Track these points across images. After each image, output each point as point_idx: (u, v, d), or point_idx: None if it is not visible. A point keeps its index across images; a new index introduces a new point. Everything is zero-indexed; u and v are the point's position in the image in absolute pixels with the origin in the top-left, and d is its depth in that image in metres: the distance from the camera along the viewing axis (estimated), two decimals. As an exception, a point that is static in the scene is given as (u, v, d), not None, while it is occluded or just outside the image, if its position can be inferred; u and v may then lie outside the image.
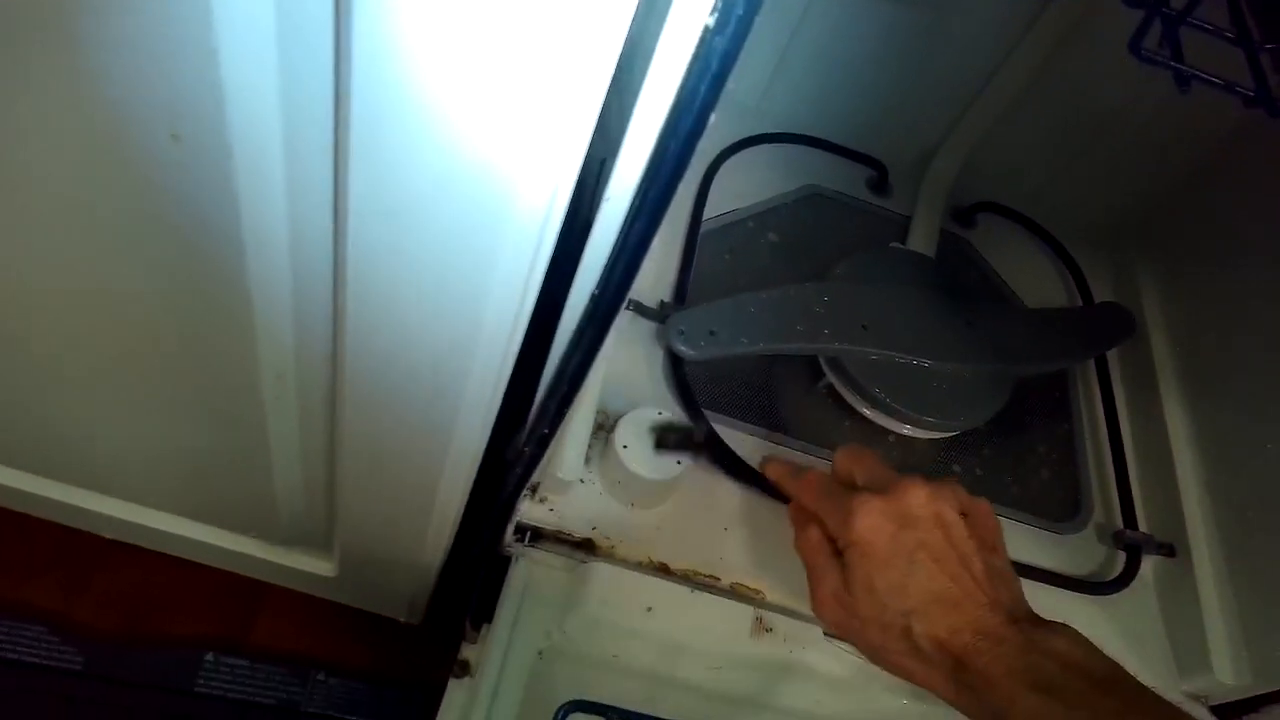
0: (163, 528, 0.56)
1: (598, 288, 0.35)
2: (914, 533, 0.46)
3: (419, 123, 0.25)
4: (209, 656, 0.65)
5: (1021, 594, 0.48)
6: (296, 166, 0.27)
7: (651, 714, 0.38)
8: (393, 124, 0.25)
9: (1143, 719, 0.39)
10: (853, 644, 0.48)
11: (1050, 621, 0.45)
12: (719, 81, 0.27)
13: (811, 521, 0.51)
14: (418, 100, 0.25)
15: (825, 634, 0.59)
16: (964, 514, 0.49)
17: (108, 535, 0.61)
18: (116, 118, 0.27)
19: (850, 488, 0.50)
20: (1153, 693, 0.41)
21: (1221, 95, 0.49)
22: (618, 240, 0.33)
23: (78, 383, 0.43)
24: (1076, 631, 0.44)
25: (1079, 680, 0.40)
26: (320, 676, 0.66)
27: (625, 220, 0.32)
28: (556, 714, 0.37)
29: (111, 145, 0.28)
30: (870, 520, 0.47)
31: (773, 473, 0.56)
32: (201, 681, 0.64)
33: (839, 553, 0.48)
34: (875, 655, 0.47)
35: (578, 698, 0.37)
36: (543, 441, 0.44)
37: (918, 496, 0.47)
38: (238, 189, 0.27)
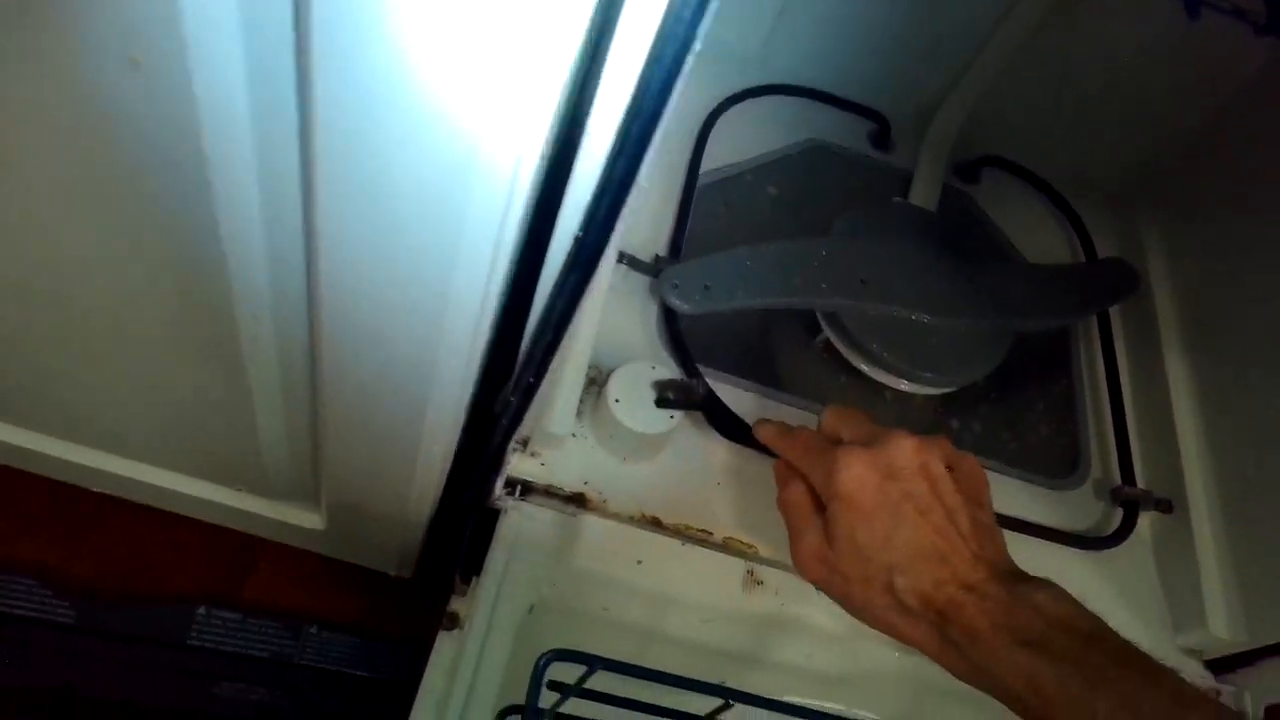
0: (151, 481, 0.55)
1: (581, 229, 0.33)
2: (899, 484, 0.45)
3: (383, 51, 0.24)
4: (201, 610, 0.65)
5: (1005, 550, 0.47)
6: (260, 90, 0.26)
7: (636, 664, 0.37)
8: (355, 49, 0.24)
9: (1127, 672, 0.39)
10: (837, 600, 0.48)
11: (1034, 577, 0.44)
12: (704, 2, 0.26)
13: (795, 478, 0.50)
14: (381, 27, 0.23)
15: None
16: (950, 468, 0.48)
17: (97, 490, 0.60)
18: (71, 44, 0.26)
19: (837, 444, 0.49)
20: (1135, 647, 0.41)
21: (1232, 23, 0.47)
22: (600, 179, 0.32)
23: (60, 335, 0.43)
24: (1060, 587, 0.43)
25: (1064, 635, 0.40)
26: (313, 630, 0.66)
27: (608, 158, 0.31)
28: (537, 663, 0.37)
29: (68, 75, 0.27)
30: (854, 471, 0.46)
31: (764, 435, 0.55)
32: (194, 634, 0.64)
33: (822, 508, 0.48)
34: (859, 611, 0.46)
35: (560, 648, 0.37)
36: (529, 391, 0.43)
37: (903, 448, 0.46)
38: (200, 118, 0.26)
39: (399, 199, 0.28)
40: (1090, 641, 0.40)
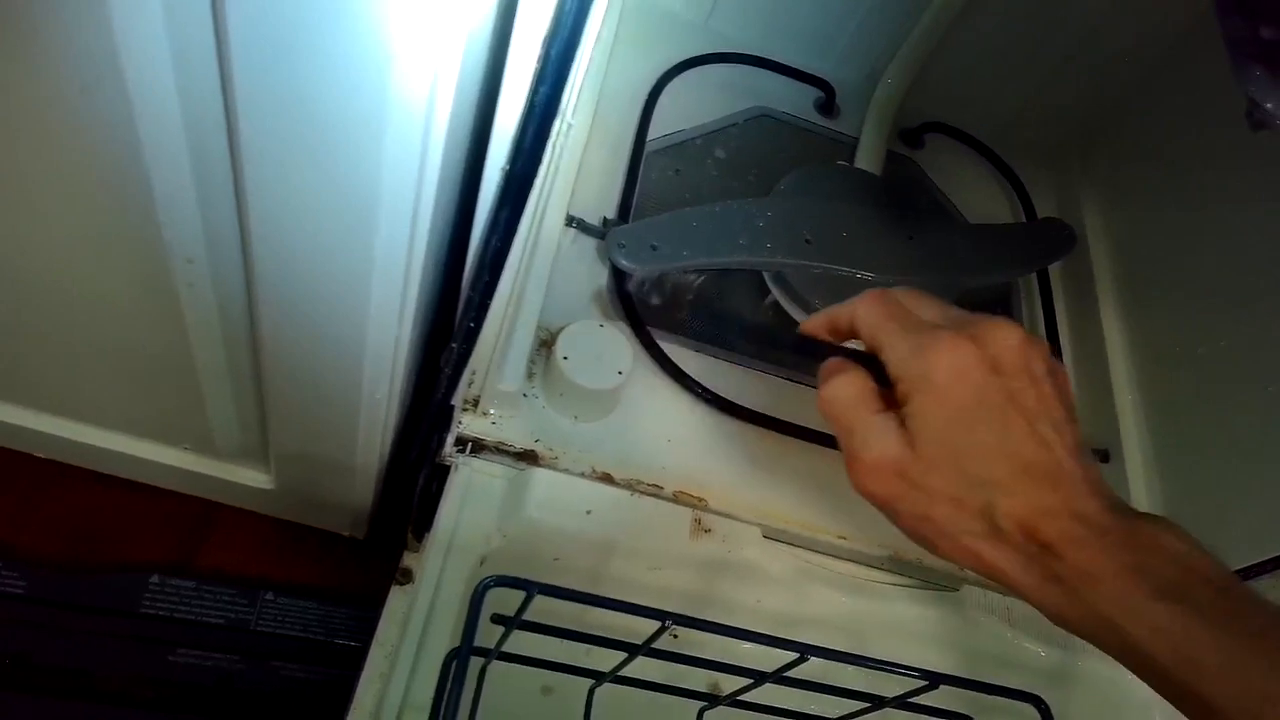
0: (97, 444, 0.55)
1: (507, 161, 0.34)
2: (1004, 382, 0.36)
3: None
4: (154, 579, 0.65)
5: (1111, 489, 0.38)
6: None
7: (574, 589, 0.38)
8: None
9: None
10: (905, 523, 0.39)
11: (1147, 514, 0.37)
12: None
13: (852, 368, 0.41)
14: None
15: (766, 536, 0.60)
16: (1054, 373, 0.39)
17: (42, 455, 0.60)
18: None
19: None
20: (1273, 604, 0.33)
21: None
22: (525, 105, 0.32)
23: (3, 295, 0.43)
24: (1180, 527, 0.35)
25: (1204, 580, 0.33)
26: (269, 596, 0.66)
27: (532, 85, 0.32)
28: (476, 589, 0.37)
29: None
30: (954, 358, 0.36)
31: (811, 327, 0.46)
32: (147, 603, 0.64)
33: (892, 405, 0.38)
34: (938, 537, 0.38)
35: (500, 574, 0.37)
36: (469, 336, 0.44)
37: (1009, 340, 0.37)
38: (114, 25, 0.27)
39: (316, 126, 0.28)
40: (1241, 597, 0.33)
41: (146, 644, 0.63)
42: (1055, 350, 0.78)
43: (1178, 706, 0.33)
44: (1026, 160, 0.90)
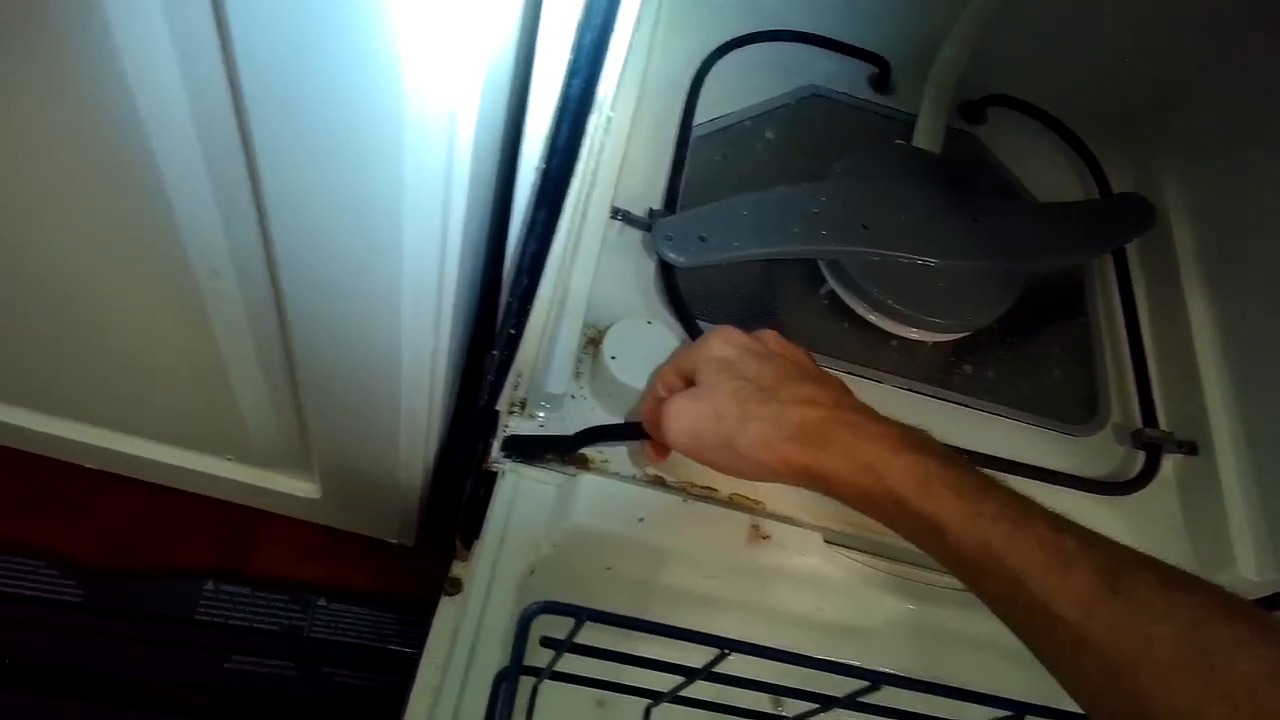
0: (143, 455, 0.55)
1: (543, 160, 0.32)
2: (762, 344, 0.48)
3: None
4: (209, 585, 0.65)
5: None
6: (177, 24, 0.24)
7: (624, 614, 0.36)
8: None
9: (1010, 490, 0.39)
10: (709, 455, 0.46)
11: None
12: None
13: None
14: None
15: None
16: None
17: (94, 466, 0.60)
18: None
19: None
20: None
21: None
22: (558, 101, 0.30)
23: (43, 314, 0.42)
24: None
25: (947, 450, 0.41)
26: (320, 602, 0.66)
27: (565, 78, 0.29)
28: (522, 616, 0.36)
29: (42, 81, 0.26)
30: (721, 334, 0.49)
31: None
32: (202, 610, 0.64)
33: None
34: (736, 453, 0.44)
35: (548, 600, 0.35)
36: (510, 343, 0.42)
37: (767, 330, 0.50)
38: (128, 74, 0.25)
39: (330, 143, 0.26)
40: (970, 464, 0.41)
41: (201, 651, 0.63)
42: (1135, 337, 0.73)
43: (917, 539, 0.40)
44: (1098, 132, 0.84)
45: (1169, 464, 0.68)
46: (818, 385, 0.45)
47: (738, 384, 0.45)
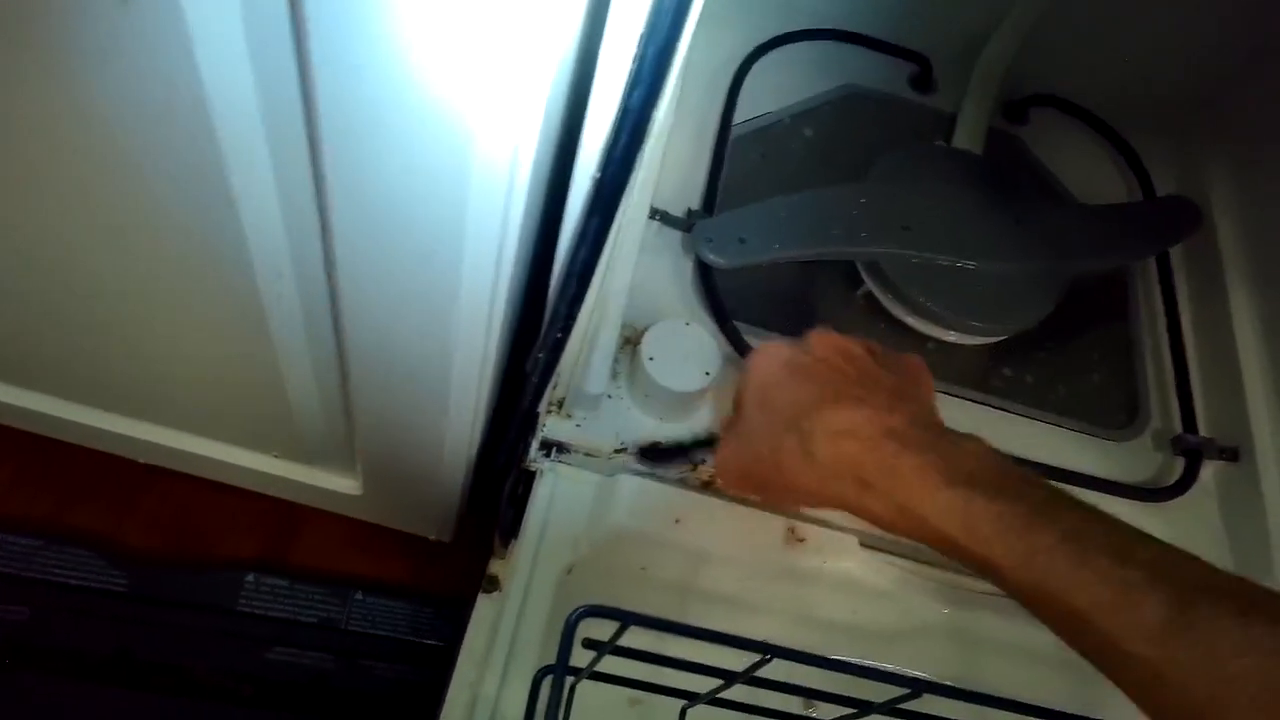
0: (190, 450, 0.56)
1: (598, 169, 0.32)
2: (811, 356, 0.44)
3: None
4: (250, 577, 0.66)
5: (937, 416, 0.43)
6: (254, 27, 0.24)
7: (668, 619, 0.36)
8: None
9: (1066, 508, 0.36)
10: (761, 494, 0.46)
11: (958, 431, 0.41)
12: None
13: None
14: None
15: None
16: (874, 355, 0.46)
17: (143, 460, 0.61)
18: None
19: None
20: (1069, 492, 0.37)
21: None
22: (617, 112, 0.30)
23: (98, 312, 0.43)
24: (984, 440, 0.40)
25: (996, 472, 0.37)
26: (359, 596, 0.67)
27: (626, 88, 0.30)
28: (568, 620, 0.36)
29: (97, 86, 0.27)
30: (763, 352, 0.45)
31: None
32: (244, 601, 0.65)
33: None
34: (778, 488, 0.43)
35: (593, 604, 0.36)
36: (556, 347, 0.42)
37: (817, 331, 0.45)
38: (198, 61, 0.25)
39: (402, 169, 0.27)
40: (1026, 481, 0.37)
41: (244, 641, 0.65)
42: (1176, 341, 0.72)
43: (977, 574, 0.37)
44: (1143, 133, 0.83)
45: (1209, 471, 0.67)
46: (857, 406, 0.40)
47: (771, 414, 0.43)
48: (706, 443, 0.57)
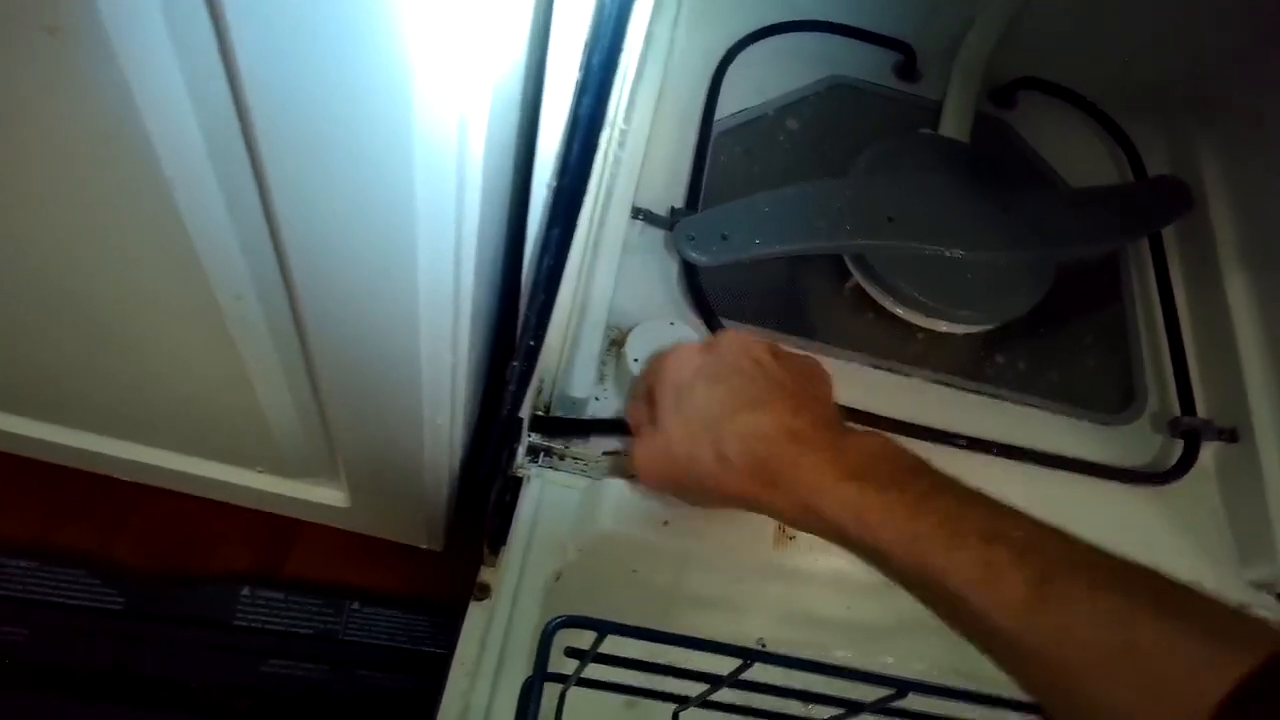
0: (174, 467, 0.56)
1: (554, 177, 0.32)
2: (720, 359, 0.46)
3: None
4: (245, 591, 0.66)
5: (837, 416, 0.46)
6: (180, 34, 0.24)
7: (654, 628, 0.36)
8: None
9: (947, 496, 0.38)
10: (680, 495, 0.47)
11: (860, 428, 0.44)
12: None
13: (635, 400, 0.51)
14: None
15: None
16: (778, 357, 0.48)
17: (126, 478, 0.61)
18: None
19: None
20: (958, 479, 0.40)
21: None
22: (568, 119, 0.30)
23: (73, 337, 0.43)
24: (886, 435, 0.43)
25: (888, 465, 0.40)
26: (354, 606, 0.67)
27: (574, 96, 0.29)
28: (545, 630, 0.36)
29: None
30: (676, 355, 0.47)
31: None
32: (240, 615, 0.65)
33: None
34: (699, 492, 0.45)
35: (569, 614, 0.35)
36: (530, 355, 0.42)
37: (726, 334, 0.47)
38: (129, 82, 0.25)
39: (341, 167, 0.26)
40: (915, 471, 0.40)
41: (240, 655, 0.65)
42: (1172, 323, 0.71)
43: (870, 564, 0.39)
44: (1134, 113, 0.82)
45: (1208, 452, 0.66)
46: (764, 410, 0.43)
47: (686, 418, 0.45)
48: (608, 427, 0.57)
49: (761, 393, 0.44)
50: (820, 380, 0.49)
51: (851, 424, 0.45)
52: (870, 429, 0.45)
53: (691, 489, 0.46)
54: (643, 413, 0.49)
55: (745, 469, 0.42)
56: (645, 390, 0.50)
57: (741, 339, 0.48)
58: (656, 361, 0.49)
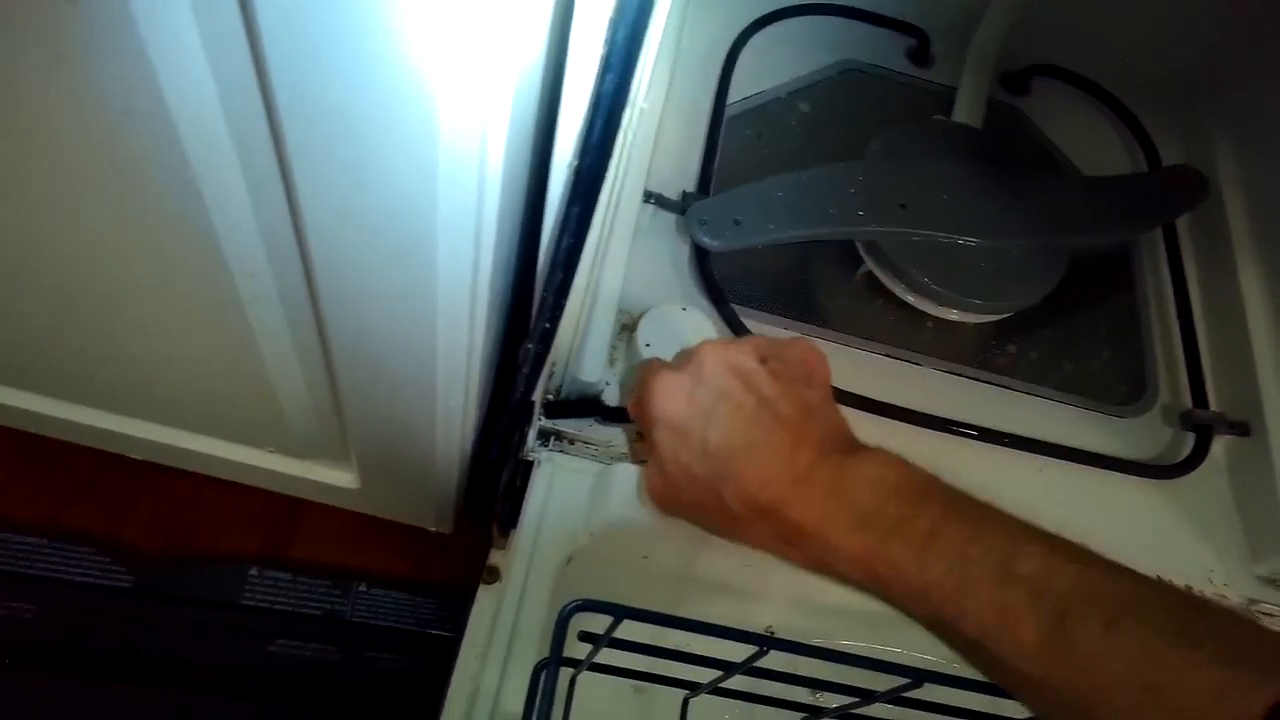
0: (184, 446, 0.56)
1: (576, 156, 0.31)
2: (709, 388, 0.43)
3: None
4: (253, 571, 0.66)
5: (841, 425, 0.44)
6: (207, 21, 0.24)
7: (667, 612, 0.36)
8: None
9: (955, 526, 0.36)
10: (692, 523, 0.46)
11: (865, 446, 0.41)
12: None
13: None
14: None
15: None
16: (765, 360, 0.45)
17: (139, 457, 0.61)
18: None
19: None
20: (969, 495, 0.38)
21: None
22: (591, 97, 0.29)
23: (85, 310, 0.42)
24: (889, 452, 0.40)
25: (895, 503, 0.38)
26: (361, 587, 0.67)
27: (598, 73, 0.29)
28: (560, 615, 0.36)
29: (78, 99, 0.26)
30: (662, 389, 0.44)
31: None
32: (248, 595, 0.65)
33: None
34: (717, 533, 0.44)
35: (585, 598, 0.35)
36: (545, 337, 0.42)
37: (707, 354, 0.44)
38: (151, 58, 0.25)
39: (363, 149, 0.26)
40: (919, 501, 0.38)
41: (247, 635, 0.65)
42: (1185, 314, 0.71)
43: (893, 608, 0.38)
44: (1148, 101, 0.81)
45: (1220, 446, 0.66)
46: (762, 453, 0.41)
47: (688, 469, 0.43)
48: (616, 416, 0.56)
49: (756, 429, 0.41)
50: (814, 375, 0.46)
51: (853, 435, 0.43)
52: (875, 447, 0.41)
53: (707, 527, 0.45)
54: (644, 448, 0.47)
55: (755, 526, 0.41)
56: (639, 419, 0.47)
57: (722, 353, 0.44)
58: (643, 390, 0.46)
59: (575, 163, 0.31)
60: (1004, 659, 0.34)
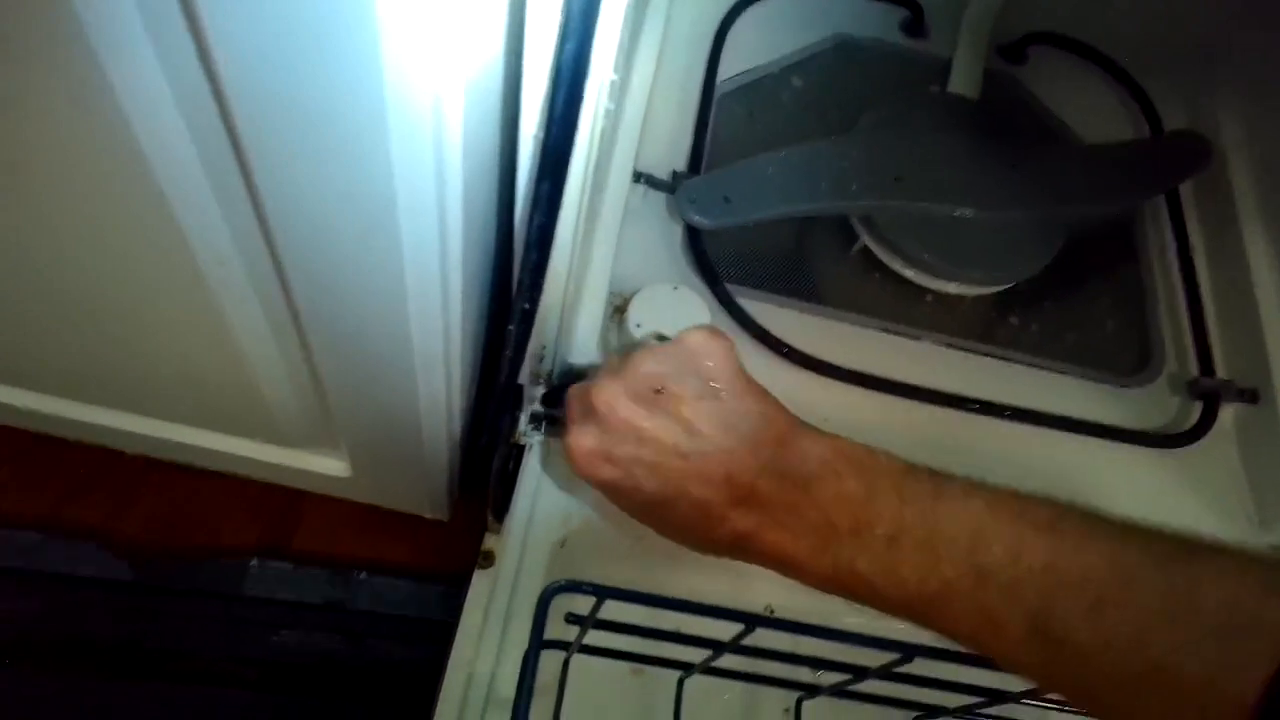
0: (174, 438, 0.56)
1: (540, 129, 0.31)
2: (622, 444, 0.40)
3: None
4: (253, 562, 0.66)
5: (767, 411, 0.40)
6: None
7: (654, 593, 0.35)
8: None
9: (920, 540, 0.35)
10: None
11: (802, 434, 0.40)
12: None
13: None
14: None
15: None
16: (662, 387, 0.41)
17: (133, 452, 0.61)
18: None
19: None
20: (924, 491, 0.37)
21: None
22: (551, 67, 0.29)
23: (70, 310, 0.42)
24: (823, 442, 0.39)
25: (844, 512, 0.37)
26: (362, 576, 0.67)
27: (557, 42, 0.28)
28: (541, 597, 0.35)
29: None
30: (581, 453, 0.42)
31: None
32: (249, 586, 0.66)
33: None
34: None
35: (567, 579, 0.35)
36: (525, 319, 0.41)
37: (603, 404, 0.41)
38: (100, 56, 0.24)
39: (314, 126, 0.26)
40: (870, 501, 0.37)
41: (250, 626, 0.65)
42: (1190, 282, 0.69)
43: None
44: (1149, 66, 0.80)
45: (1228, 413, 0.65)
46: (705, 496, 0.39)
47: (634, 511, 0.43)
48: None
49: (686, 479, 0.39)
50: (714, 372, 0.42)
51: (784, 418, 0.41)
52: (807, 439, 0.39)
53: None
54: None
55: (722, 555, 0.41)
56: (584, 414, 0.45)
57: (616, 403, 0.41)
58: (592, 396, 0.43)
59: (540, 135, 0.31)
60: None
